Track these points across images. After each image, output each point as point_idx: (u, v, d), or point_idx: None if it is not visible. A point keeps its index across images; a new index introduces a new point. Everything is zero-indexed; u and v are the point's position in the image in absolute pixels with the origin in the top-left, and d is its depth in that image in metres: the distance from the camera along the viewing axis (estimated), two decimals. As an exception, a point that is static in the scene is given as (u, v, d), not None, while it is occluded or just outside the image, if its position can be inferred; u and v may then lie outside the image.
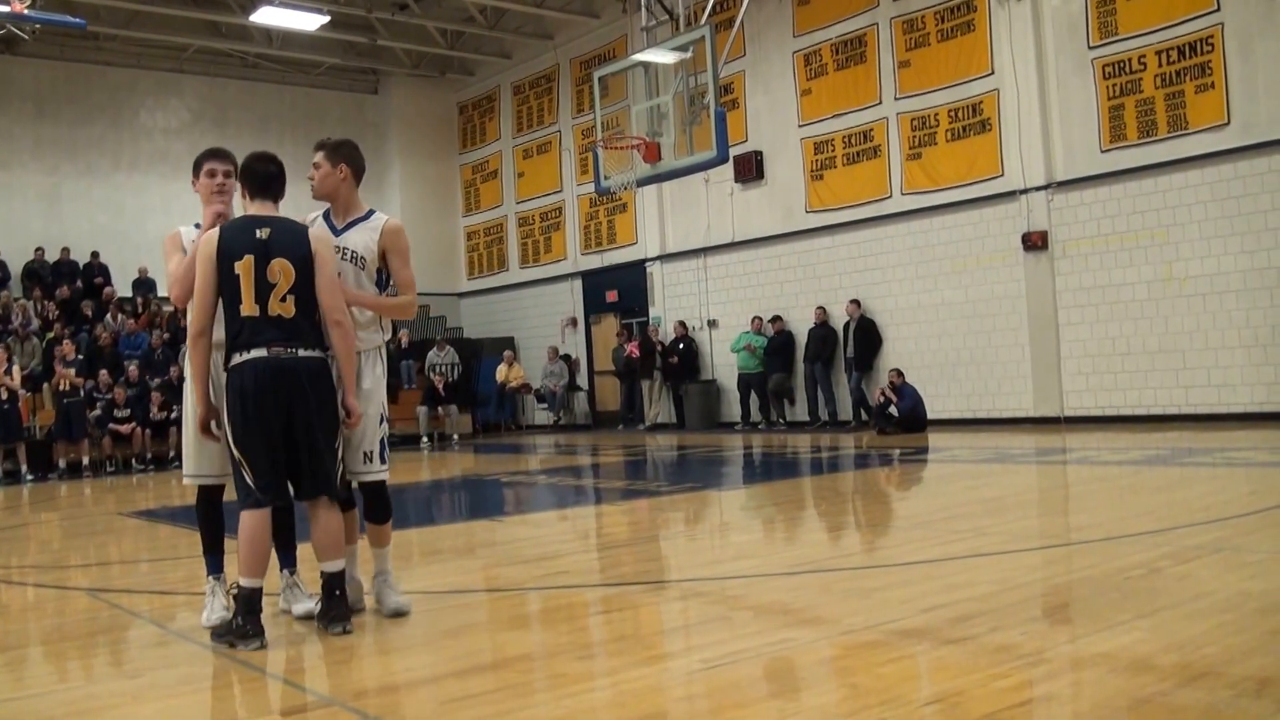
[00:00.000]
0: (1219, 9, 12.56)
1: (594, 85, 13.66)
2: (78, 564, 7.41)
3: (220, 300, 4.29)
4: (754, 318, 17.34)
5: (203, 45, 20.76)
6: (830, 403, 16.33)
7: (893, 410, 14.53)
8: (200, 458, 4.60)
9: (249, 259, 4.23)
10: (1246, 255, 12.42)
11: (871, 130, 16.09)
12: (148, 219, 19.99)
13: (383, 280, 4.71)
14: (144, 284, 19.33)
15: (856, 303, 15.92)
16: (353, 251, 4.60)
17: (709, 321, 18.51)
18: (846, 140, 16.40)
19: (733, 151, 14.05)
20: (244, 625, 4.14)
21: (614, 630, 4.47)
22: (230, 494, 4.51)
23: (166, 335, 17.37)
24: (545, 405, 20.77)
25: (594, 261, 20.84)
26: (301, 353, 4.27)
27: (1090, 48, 13.76)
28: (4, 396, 14.84)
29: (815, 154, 16.82)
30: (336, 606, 4.33)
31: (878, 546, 6.40)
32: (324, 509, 4.36)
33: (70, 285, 19.03)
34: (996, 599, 4.38)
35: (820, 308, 16.45)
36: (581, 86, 20.26)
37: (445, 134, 24.05)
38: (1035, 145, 14.16)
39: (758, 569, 5.52)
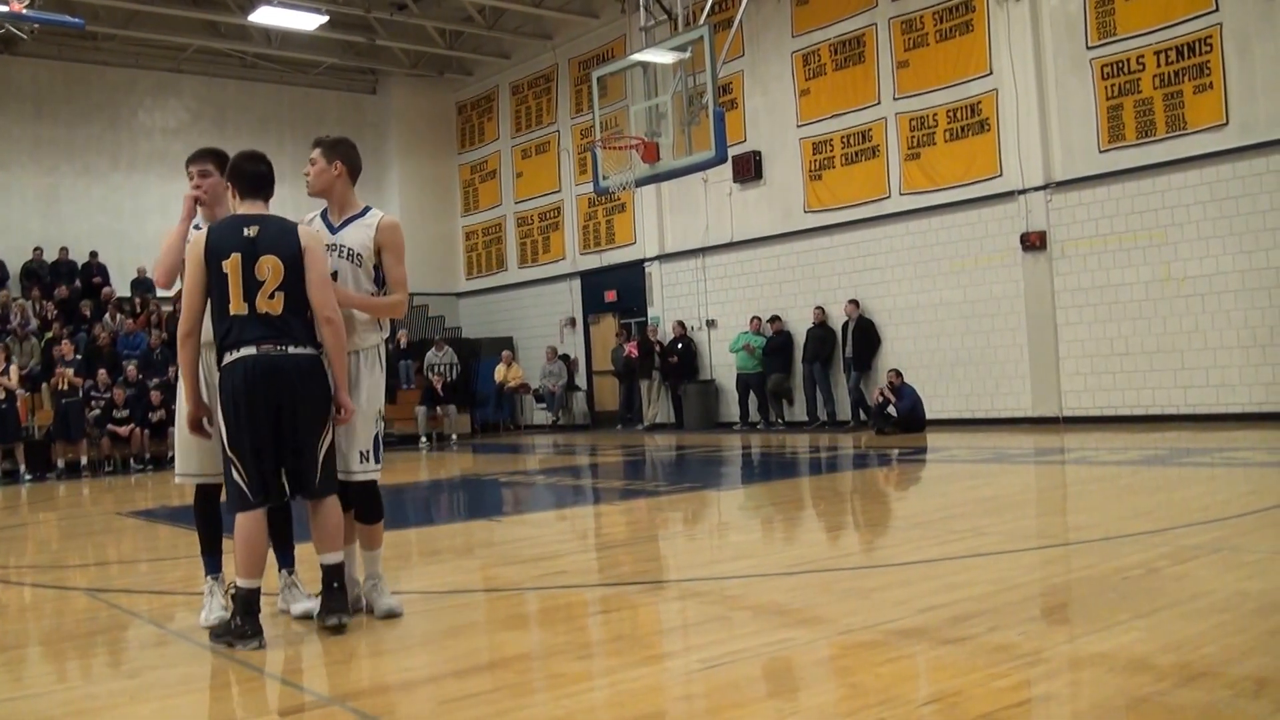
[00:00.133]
0: (1217, 9, 12.57)
1: (593, 85, 13.64)
2: (76, 564, 7.39)
3: (210, 300, 4.29)
4: (753, 318, 17.34)
5: (201, 45, 20.74)
6: (829, 403, 16.33)
7: (891, 410, 14.53)
8: (191, 456, 4.61)
9: (236, 257, 4.23)
10: (1245, 255, 12.43)
11: (870, 130, 16.10)
12: (146, 219, 19.99)
13: (380, 277, 4.70)
14: (142, 284, 19.30)
15: (855, 303, 15.93)
16: (349, 249, 4.60)
17: (708, 321, 18.51)
18: (845, 140, 16.40)
19: (731, 151, 14.02)
20: (242, 625, 4.15)
21: (612, 630, 4.47)
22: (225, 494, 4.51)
23: (165, 335, 17.32)
24: (544, 405, 20.75)
25: (592, 261, 20.83)
26: (291, 350, 4.26)
27: (1089, 48, 13.77)
28: (2, 396, 14.85)
29: (814, 154, 16.82)
30: (335, 598, 4.33)
31: (876, 546, 6.39)
32: (324, 502, 4.36)
33: (68, 285, 19.01)
34: (995, 599, 4.38)
35: (819, 308, 16.46)
36: (580, 86, 20.23)
37: (444, 134, 24.03)
38: (1034, 145, 14.17)
39: (756, 569, 5.52)
